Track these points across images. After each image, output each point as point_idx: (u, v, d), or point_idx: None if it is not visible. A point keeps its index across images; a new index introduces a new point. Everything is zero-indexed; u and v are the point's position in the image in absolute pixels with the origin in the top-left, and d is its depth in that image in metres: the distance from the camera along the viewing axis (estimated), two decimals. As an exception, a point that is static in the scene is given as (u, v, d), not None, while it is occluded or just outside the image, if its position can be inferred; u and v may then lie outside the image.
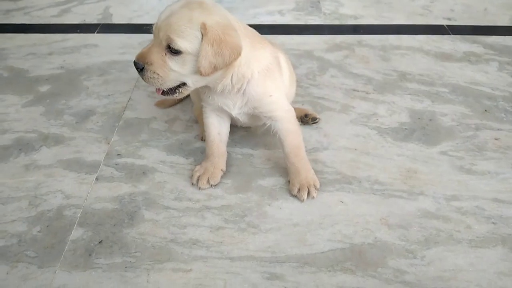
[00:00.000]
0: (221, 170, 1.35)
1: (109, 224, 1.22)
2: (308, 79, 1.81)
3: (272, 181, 1.35)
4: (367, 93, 1.71)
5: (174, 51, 1.09)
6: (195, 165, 1.39)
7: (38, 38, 2.06)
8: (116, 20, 2.22)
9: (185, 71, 1.12)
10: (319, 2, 2.46)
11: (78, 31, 2.11)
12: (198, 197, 1.30)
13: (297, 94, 1.70)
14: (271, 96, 1.25)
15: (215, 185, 1.33)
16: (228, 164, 1.40)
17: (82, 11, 2.30)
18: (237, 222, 1.23)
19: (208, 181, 1.32)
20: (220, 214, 1.25)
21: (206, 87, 1.22)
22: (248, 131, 1.54)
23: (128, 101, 1.66)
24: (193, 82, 1.16)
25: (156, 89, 1.19)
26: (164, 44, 1.08)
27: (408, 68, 1.86)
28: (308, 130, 1.54)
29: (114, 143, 1.48)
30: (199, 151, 1.46)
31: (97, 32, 2.11)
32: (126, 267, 1.11)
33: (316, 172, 1.35)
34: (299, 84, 1.77)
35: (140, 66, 1.11)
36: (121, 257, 1.14)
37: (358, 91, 1.73)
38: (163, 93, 1.19)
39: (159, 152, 1.45)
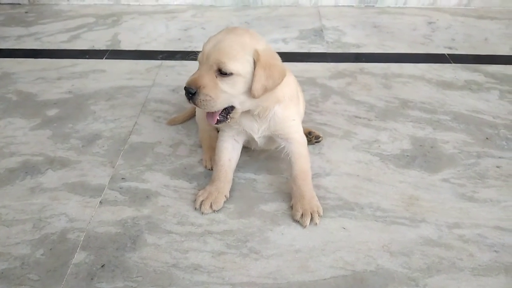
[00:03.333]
0: (225, 196, 1.36)
1: (112, 248, 1.22)
2: (311, 105, 1.83)
3: (274, 206, 1.36)
4: (369, 120, 1.74)
5: (224, 73, 1.16)
6: (199, 190, 1.41)
7: (48, 63, 2.12)
8: (124, 46, 2.28)
9: (235, 92, 1.20)
10: (322, 31, 2.52)
11: (87, 56, 2.17)
12: (200, 222, 1.31)
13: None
14: (293, 120, 1.34)
15: (218, 210, 1.34)
16: (231, 188, 1.41)
17: (91, 37, 2.36)
18: (239, 248, 1.23)
19: (211, 206, 1.33)
20: (222, 239, 1.26)
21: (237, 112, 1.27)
22: (251, 156, 1.55)
23: (134, 126, 1.69)
24: (240, 104, 1.23)
25: (210, 118, 1.26)
26: (215, 67, 1.17)
27: (410, 95, 1.89)
28: (311, 156, 1.54)
29: (119, 167, 1.50)
30: (202, 175, 1.47)
31: (106, 58, 2.16)
32: (127, 292, 1.11)
33: (318, 197, 1.35)
34: (302, 110, 1.80)
35: (193, 91, 1.17)
36: (122, 281, 1.14)
37: (360, 117, 1.76)
38: (218, 122, 1.26)
39: (163, 176, 1.47)
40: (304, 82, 1.99)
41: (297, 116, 1.37)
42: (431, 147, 1.59)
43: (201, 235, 1.27)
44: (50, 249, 1.22)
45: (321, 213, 1.31)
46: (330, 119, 1.75)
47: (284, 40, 2.41)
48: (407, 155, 1.55)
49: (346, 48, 2.33)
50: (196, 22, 2.58)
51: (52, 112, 1.76)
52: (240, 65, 1.17)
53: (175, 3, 2.78)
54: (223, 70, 1.16)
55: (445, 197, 1.39)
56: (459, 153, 1.56)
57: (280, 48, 2.33)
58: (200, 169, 1.50)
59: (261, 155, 1.55)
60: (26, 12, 2.65)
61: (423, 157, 1.54)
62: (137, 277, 1.15)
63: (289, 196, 1.38)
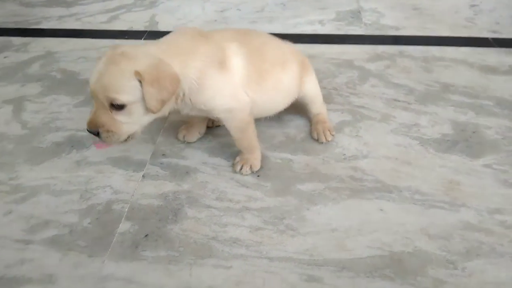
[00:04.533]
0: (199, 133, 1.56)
1: (154, 219, 1.27)
2: (348, 88, 1.82)
3: (311, 187, 1.37)
4: (408, 103, 1.71)
5: (117, 106, 1.14)
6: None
7: (89, 43, 2.18)
8: (162, 27, 2.32)
9: (136, 119, 1.19)
10: (359, 12, 2.47)
11: (126, 37, 2.22)
12: (238, 198, 1.34)
13: (337, 103, 1.72)
14: (205, 105, 1.28)
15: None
16: (267, 168, 1.43)
17: (130, 18, 2.41)
18: (276, 224, 1.26)
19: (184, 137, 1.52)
20: (260, 215, 1.28)
21: None
22: (288, 137, 1.57)
23: (173, 104, 1.73)
24: (146, 123, 1.23)
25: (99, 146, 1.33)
26: (107, 104, 1.14)
27: (451, 79, 1.84)
28: (348, 138, 1.55)
29: (159, 144, 1.54)
30: (239, 154, 1.50)
31: (144, 39, 2.20)
32: (170, 260, 1.16)
33: (355, 179, 1.36)
34: (339, 92, 1.79)
35: (95, 132, 1.17)
36: (165, 251, 1.18)
37: (399, 101, 1.73)
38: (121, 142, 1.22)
39: (201, 153, 1.50)
40: (341, 64, 1.97)
41: (217, 94, 1.27)
42: (473, 132, 1.55)
43: (239, 211, 1.30)
44: (97, 218, 1.28)
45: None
46: (367, 101, 1.73)
47: (321, 22, 2.38)
48: (448, 140, 1.52)
49: (384, 31, 2.28)
50: (231, 4, 2.58)
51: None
52: (128, 95, 1.13)
53: (211, -16, 2.78)
54: (114, 104, 1.14)
55: (486, 183, 1.36)
56: (502, 139, 1.52)
57: (316, 30, 2.31)
58: (237, 148, 1.52)
59: (298, 137, 1.56)
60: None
61: (465, 142, 1.51)
62: (179, 247, 1.19)
63: (326, 177, 1.39)
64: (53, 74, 1.94)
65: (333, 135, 1.54)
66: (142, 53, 1.17)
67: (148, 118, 1.22)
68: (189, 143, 1.54)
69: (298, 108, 1.63)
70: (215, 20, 2.39)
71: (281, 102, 1.48)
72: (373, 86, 1.83)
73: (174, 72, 1.17)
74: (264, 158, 1.46)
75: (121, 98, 1.13)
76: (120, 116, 1.16)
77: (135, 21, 2.38)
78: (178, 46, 1.24)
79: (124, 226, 1.26)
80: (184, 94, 1.24)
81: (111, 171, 1.44)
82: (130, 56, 1.14)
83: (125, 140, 1.22)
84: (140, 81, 1.12)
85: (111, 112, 1.15)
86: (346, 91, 1.81)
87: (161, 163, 1.46)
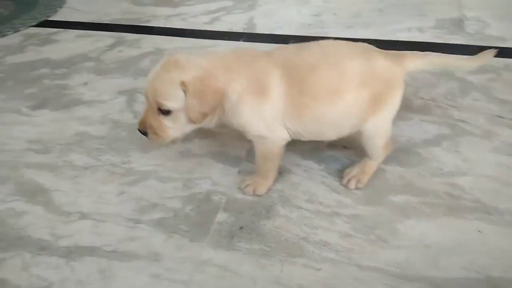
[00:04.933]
0: None
1: (249, 213, 1.35)
2: (447, 99, 1.76)
3: (404, 199, 1.36)
4: (515, 121, 1.61)
5: (165, 112, 1.22)
6: (326, 172, 1.47)
7: (193, 42, 2.34)
8: (260, 30, 2.41)
9: (181, 125, 1.25)
10: (462, 21, 2.36)
11: (226, 38, 2.34)
12: (328, 203, 1.37)
13: (434, 115, 1.68)
14: (241, 128, 1.30)
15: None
16: (360, 175, 1.45)
17: (230, 20, 2.54)
18: (367, 233, 1.27)
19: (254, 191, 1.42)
20: (350, 222, 1.31)
21: None
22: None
23: (268, 105, 1.80)
24: (190, 130, 1.30)
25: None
26: (155, 107, 1.22)
27: None
28: (445, 152, 1.51)
29: (254, 142, 1.63)
30: (331, 159, 1.53)
31: (243, 40, 2.31)
32: (262, 254, 1.23)
33: (452, 196, 1.32)
34: (437, 104, 1.74)
35: (144, 132, 1.27)
36: (258, 244, 1.26)
37: (504, 118, 1.64)
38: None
39: (294, 155, 1.55)
40: (441, 75, 1.91)
41: (252, 120, 1.27)
42: None
43: (329, 215, 1.33)
44: (198, 206, 1.39)
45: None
46: (468, 116, 1.66)
47: (420, 29, 2.31)
48: (560, 164, 1.41)
49: (489, 41, 2.15)
50: (327, 8, 2.60)
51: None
52: (174, 102, 1.20)
53: (308, -12, 2.83)
54: (162, 109, 1.22)
55: None
56: None
57: (414, 37, 2.24)
58: (329, 152, 1.56)
59: (392, 146, 1.55)
60: (174, -6, 2.93)
61: None
62: (271, 243, 1.26)
63: (421, 191, 1.37)
64: (161, 70, 2.12)
65: (358, 188, 1.40)
66: (193, 64, 1.21)
67: (192, 126, 1.28)
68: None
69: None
70: (310, 24, 2.43)
71: (332, 133, 1.34)
72: (475, 100, 1.75)
73: (219, 87, 1.20)
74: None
75: (168, 104, 1.20)
76: (166, 121, 1.24)
77: (235, 23, 2.50)
78: (226, 63, 1.26)
79: (221, 216, 1.35)
80: (224, 111, 1.27)
81: (210, 164, 1.55)
82: (181, 66, 1.20)
83: (170, 142, 1.31)
84: (185, 91, 1.18)
85: (159, 115, 1.23)
86: (445, 103, 1.75)
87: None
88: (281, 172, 1.49)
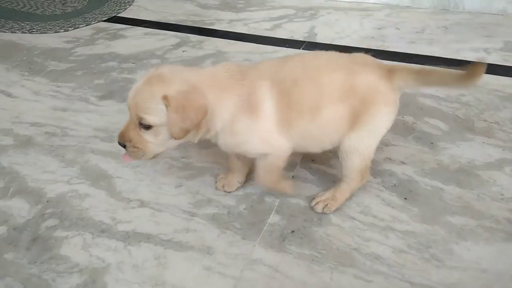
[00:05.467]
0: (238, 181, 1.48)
1: (301, 218, 1.37)
2: (511, 124, 1.70)
3: (462, 221, 1.33)
4: None
5: (146, 126, 1.17)
6: (382, 186, 1.46)
7: (253, 47, 2.40)
8: (320, 39, 2.43)
9: (161, 140, 1.20)
10: (533, 44, 2.26)
11: (287, 45, 2.38)
12: (382, 216, 1.36)
13: (498, 138, 1.62)
14: (238, 148, 1.27)
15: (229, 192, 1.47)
16: (416, 192, 1.43)
17: (291, 28, 2.58)
18: (421, 251, 1.25)
19: (223, 186, 1.47)
20: (404, 238, 1.29)
21: None
22: (440, 165, 1.53)
23: (325, 114, 1.81)
24: (172, 146, 1.25)
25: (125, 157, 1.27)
26: (136, 121, 1.17)
27: None
28: (508, 178, 1.46)
29: (310, 149, 1.64)
30: (387, 173, 1.51)
31: (302, 49, 2.34)
32: (313, 260, 1.24)
33: (515, 223, 1.27)
34: (501, 127, 1.68)
35: (123, 145, 1.22)
36: (309, 250, 1.27)
37: None
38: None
39: (349, 165, 1.55)
40: (506, 98, 1.84)
41: (249, 138, 1.23)
42: None
43: (383, 229, 1.32)
44: (251, 206, 1.43)
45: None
46: (536, 143, 1.59)
47: (486, 50, 2.24)
48: None
49: (562, 67, 2.05)
50: (390, 22, 2.58)
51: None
52: (155, 117, 1.14)
53: (371, 1, 2.82)
54: (142, 124, 1.16)
55: None
56: None
57: (480, 58, 2.18)
58: (385, 166, 1.54)
59: (451, 166, 1.52)
60: (237, 0, 3.02)
61: None
62: (322, 249, 1.27)
63: (479, 214, 1.33)
64: (221, 71, 2.19)
65: (324, 213, 1.37)
66: (178, 78, 1.17)
67: (174, 142, 1.22)
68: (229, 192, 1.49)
69: (454, 136, 1.58)
70: (372, 37, 2.42)
71: (315, 148, 1.33)
72: (544, 127, 1.68)
73: (203, 104, 1.15)
74: (413, 182, 1.46)
75: (148, 119, 1.15)
76: (147, 135, 1.19)
77: (296, 31, 2.54)
78: (216, 79, 1.21)
79: (274, 218, 1.38)
80: (217, 132, 1.23)
81: (265, 166, 1.58)
82: (165, 79, 1.15)
83: (151, 158, 1.26)
84: (166, 106, 1.13)
85: (140, 129, 1.19)
86: (510, 127, 1.68)
87: (310, 168, 1.56)
88: (335, 181, 1.49)
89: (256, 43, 2.44)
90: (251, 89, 1.21)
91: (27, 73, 2.29)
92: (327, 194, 1.40)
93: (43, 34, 2.71)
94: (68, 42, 2.59)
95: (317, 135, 1.26)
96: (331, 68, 1.22)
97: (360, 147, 1.26)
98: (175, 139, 1.18)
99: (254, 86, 1.21)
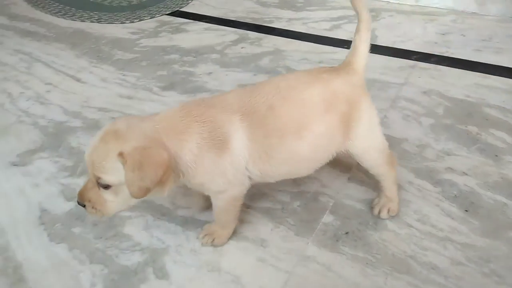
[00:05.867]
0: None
1: (356, 221, 1.37)
2: None
3: (527, 239, 1.27)
4: None
5: (104, 186, 1.10)
6: (442, 195, 1.43)
7: (311, 47, 2.40)
8: (380, 42, 2.39)
9: (121, 199, 1.13)
10: None
11: (345, 46, 2.36)
12: (441, 227, 1.33)
13: None
14: (201, 187, 1.22)
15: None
16: (478, 205, 1.38)
17: (351, 29, 2.54)
18: (480, 265, 1.21)
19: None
20: (463, 250, 1.25)
21: None
22: (505, 179, 1.47)
23: (383, 118, 1.79)
24: (134, 203, 1.16)
25: None
26: (94, 180, 1.10)
27: None
28: None
29: (367, 152, 1.63)
30: (447, 183, 1.47)
31: (362, 50, 2.31)
32: (367, 263, 1.24)
33: None
34: None
35: (82, 205, 1.14)
36: (363, 253, 1.27)
37: None
38: None
39: (407, 172, 1.53)
40: None
41: (211, 176, 1.17)
42: None
43: (441, 239, 1.29)
44: (305, 203, 1.44)
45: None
46: None
47: (560, 63, 2.12)
48: None
49: None
50: (455, 28, 2.49)
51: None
52: (112, 176, 1.06)
53: (435, 5, 2.73)
54: (100, 183, 1.09)
55: None
56: None
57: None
58: (446, 175, 1.50)
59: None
60: (296, -1, 3.03)
61: None
62: (376, 254, 1.26)
63: (547, 234, 1.27)
64: (279, 70, 2.21)
65: (391, 216, 1.35)
66: (135, 132, 1.09)
67: (134, 201, 1.15)
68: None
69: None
70: (436, 43, 2.35)
71: (306, 169, 1.28)
72: None
73: (163, 160, 1.06)
74: (475, 195, 1.42)
75: (105, 179, 1.08)
76: (106, 195, 1.12)
77: (355, 32, 2.51)
78: (174, 123, 1.13)
79: (327, 218, 1.39)
80: (183, 175, 1.16)
81: (322, 167, 1.58)
82: (121, 135, 1.07)
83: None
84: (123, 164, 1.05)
85: (99, 189, 1.11)
86: None
87: (367, 171, 1.54)
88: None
89: (315, 42, 2.44)
90: (216, 125, 1.13)
91: (95, 60, 2.43)
92: (382, 200, 1.38)
93: (110, 24, 2.85)
94: (133, 33, 2.71)
95: (309, 154, 1.22)
96: (305, 84, 1.19)
97: (368, 143, 1.26)
98: (136, 198, 1.09)
99: (221, 121, 1.14)
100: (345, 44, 2.39)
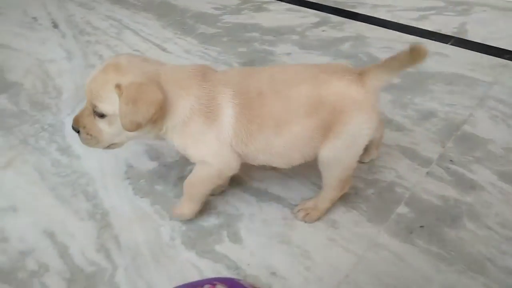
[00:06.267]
0: None
1: (432, 216, 1.34)
2: None
3: None
4: None
5: (100, 115, 1.15)
6: (527, 203, 1.36)
7: (396, 35, 2.33)
8: (471, 37, 2.27)
9: (115, 130, 1.17)
10: None
11: (433, 38, 2.26)
12: (524, 234, 1.28)
13: None
14: (184, 150, 1.22)
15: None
16: None
17: (439, 21, 2.44)
18: None
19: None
20: (546, 261, 1.20)
21: None
22: None
23: (469, 116, 1.72)
24: (128, 138, 1.22)
25: None
26: (91, 108, 1.16)
27: None
28: None
29: (448, 149, 1.58)
30: (535, 190, 1.40)
31: (450, 44, 2.21)
32: (440, 258, 1.22)
33: None
34: None
35: (76, 130, 1.19)
36: (437, 248, 1.25)
37: None
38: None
39: (491, 174, 1.47)
40: None
41: (197, 144, 1.19)
42: None
43: (522, 246, 1.24)
44: (379, 192, 1.44)
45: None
46: None
47: None
48: None
49: None
50: (558, 29, 2.30)
51: (395, 80, 1.96)
52: (108, 105, 1.12)
53: (537, 3, 2.53)
54: (96, 111, 1.14)
55: None
56: None
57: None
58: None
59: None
60: (382, -15, 2.93)
61: None
62: (451, 251, 1.24)
63: None
64: (361, 56, 2.17)
65: (306, 222, 1.34)
66: (135, 69, 1.13)
67: (130, 134, 1.18)
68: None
69: None
70: (534, 43, 2.19)
71: (280, 163, 1.26)
72: None
73: (157, 99, 1.10)
74: None
75: (101, 107, 1.13)
76: (101, 124, 1.17)
77: (444, 24, 2.40)
78: (178, 77, 1.17)
79: (402, 209, 1.37)
80: (167, 129, 1.19)
81: (398, 156, 1.56)
82: (121, 69, 1.12)
83: (107, 147, 1.24)
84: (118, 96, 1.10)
85: (94, 117, 1.17)
86: None
87: (447, 168, 1.50)
88: (473, 187, 1.42)
89: (400, 31, 2.36)
90: (212, 94, 1.16)
91: (179, 32, 2.53)
92: (309, 203, 1.36)
93: (195, -2, 2.94)
94: (216, 8, 2.78)
95: (283, 151, 1.21)
96: (298, 81, 1.16)
97: (338, 157, 1.20)
98: (127, 130, 1.13)
99: (216, 92, 1.16)
100: (432, 36, 2.30)
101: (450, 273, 1.18)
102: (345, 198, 1.42)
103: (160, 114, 1.13)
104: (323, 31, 2.44)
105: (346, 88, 1.13)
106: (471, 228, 1.30)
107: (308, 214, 1.35)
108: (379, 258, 1.24)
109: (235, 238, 1.33)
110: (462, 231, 1.29)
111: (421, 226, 1.32)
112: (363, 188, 1.45)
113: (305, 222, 1.34)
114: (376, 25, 2.45)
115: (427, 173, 1.49)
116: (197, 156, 1.22)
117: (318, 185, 1.47)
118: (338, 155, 1.20)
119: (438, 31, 2.34)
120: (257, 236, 1.33)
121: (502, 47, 2.17)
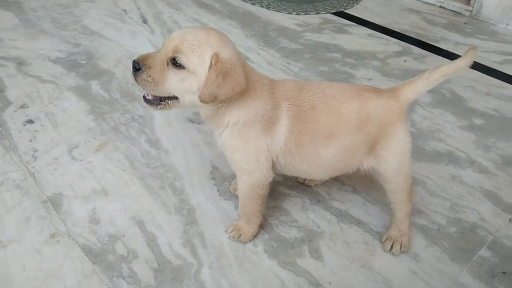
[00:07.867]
0: None
1: (516, 264, 1.35)
2: None
3: None
4: None
5: (177, 65, 1.10)
6: None
7: (478, 76, 2.32)
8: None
9: (181, 88, 1.13)
10: None
11: (517, 83, 2.25)
12: None
13: None
14: (231, 153, 1.23)
15: None
16: None
17: (524, 67, 2.41)
18: None
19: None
20: None
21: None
22: None
23: (556, 169, 1.70)
24: (185, 100, 1.17)
25: (143, 96, 1.21)
26: (171, 54, 1.10)
27: None
28: None
29: (533, 199, 1.57)
30: None
31: (535, 92, 2.19)
32: (524, 309, 1.22)
33: None
34: None
35: (138, 66, 1.11)
36: (520, 298, 1.25)
37: None
38: (147, 101, 1.21)
39: None
40: None
41: (244, 151, 1.21)
42: None
43: None
44: (462, 232, 1.45)
45: None
46: None
47: None
48: None
49: None
50: None
51: (478, 121, 1.97)
52: (193, 63, 1.09)
53: None
54: (176, 60, 1.10)
55: None
56: None
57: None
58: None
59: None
60: (465, 23, 2.92)
61: None
62: (535, 304, 1.24)
63: None
64: (443, 92, 2.18)
65: (403, 252, 1.36)
66: (233, 48, 1.14)
67: (191, 99, 1.15)
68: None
69: None
70: None
71: (322, 174, 1.36)
72: None
73: (242, 81, 1.11)
74: None
75: (185, 60, 1.09)
76: (171, 74, 1.12)
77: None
78: (255, 78, 1.20)
79: (485, 252, 1.38)
80: (227, 125, 1.20)
81: (481, 199, 1.57)
82: (222, 40, 1.13)
83: (160, 103, 1.19)
84: (212, 64, 1.09)
85: (167, 65, 1.12)
86: None
87: (532, 219, 1.50)
88: (559, 242, 1.41)
89: (482, 72, 2.35)
90: (274, 104, 1.21)
91: (262, 43, 2.62)
92: (392, 232, 1.39)
93: (277, 12, 3.04)
94: (298, 25, 2.86)
95: (329, 162, 1.26)
96: (346, 97, 1.22)
97: (399, 167, 1.28)
98: (200, 100, 1.12)
99: (277, 103, 1.21)
100: (515, 81, 2.28)
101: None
102: (427, 233, 1.44)
103: (239, 98, 1.16)
104: (405, 61, 2.46)
105: (388, 102, 1.24)
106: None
107: (402, 243, 1.37)
108: (460, 298, 1.25)
109: (316, 254, 1.38)
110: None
111: (503, 272, 1.32)
112: (445, 226, 1.47)
113: (402, 251, 1.37)
114: (459, 62, 2.44)
115: (510, 219, 1.49)
116: (242, 162, 1.25)
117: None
118: (395, 164, 1.28)
119: (523, 77, 2.32)
120: (338, 256, 1.37)
121: None
